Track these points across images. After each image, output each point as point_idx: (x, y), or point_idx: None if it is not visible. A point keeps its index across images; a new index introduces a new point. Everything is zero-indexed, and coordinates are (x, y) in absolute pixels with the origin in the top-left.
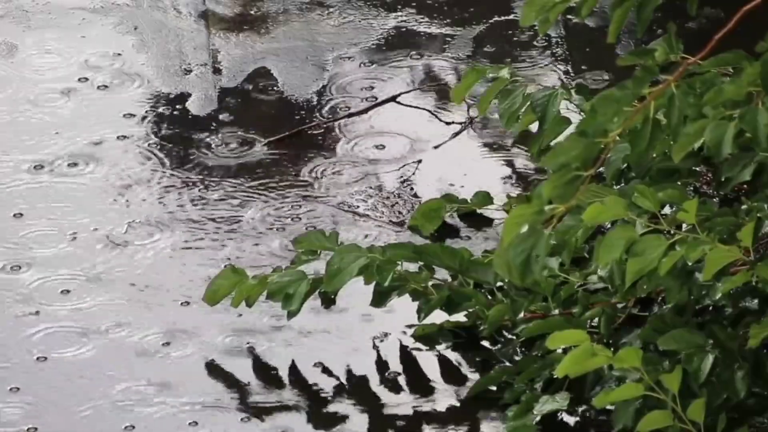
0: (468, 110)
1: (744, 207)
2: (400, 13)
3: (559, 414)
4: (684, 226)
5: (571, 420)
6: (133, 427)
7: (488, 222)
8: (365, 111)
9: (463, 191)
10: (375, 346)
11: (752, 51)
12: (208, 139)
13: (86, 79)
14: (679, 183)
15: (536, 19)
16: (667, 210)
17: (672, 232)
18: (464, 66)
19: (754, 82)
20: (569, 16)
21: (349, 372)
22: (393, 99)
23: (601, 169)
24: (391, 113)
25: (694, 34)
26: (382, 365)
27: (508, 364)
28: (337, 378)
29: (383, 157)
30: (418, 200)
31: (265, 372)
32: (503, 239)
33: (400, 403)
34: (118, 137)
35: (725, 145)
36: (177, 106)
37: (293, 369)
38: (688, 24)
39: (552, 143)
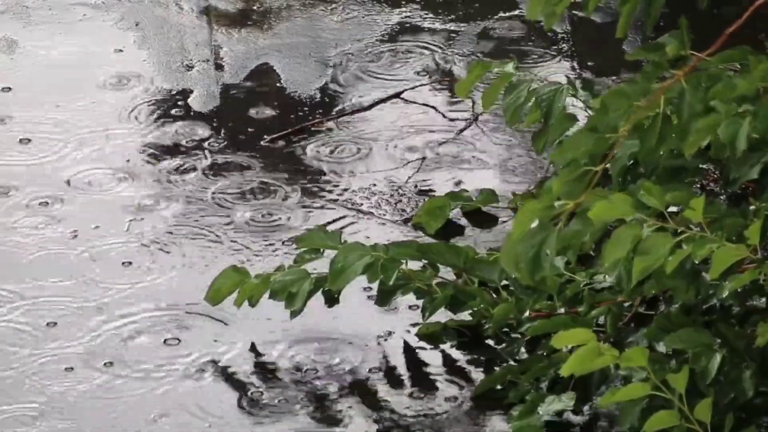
0: (473, 107)
1: (752, 208)
2: (404, 9)
3: (564, 413)
4: (692, 225)
5: (576, 420)
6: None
7: (493, 220)
8: (368, 107)
9: (467, 189)
10: (379, 345)
11: (756, 45)
12: (209, 136)
13: (87, 76)
14: (686, 181)
15: (542, 12)
16: (674, 208)
17: (679, 230)
18: (469, 62)
19: (764, 77)
20: (575, 12)
21: (352, 371)
22: (397, 95)
23: (607, 166)
24: (395, 110)
25: (695, 27)
26: (386, 364)
27: (513, 363)
28: (341, 377)
29: (387, 154)
30: (423, 198)
31: (267, 371)
32: (512, 234)
33: (404, 402)
34: (119, 134)
35: (740, 142)
36: (179, 103)
37: (295, 368)
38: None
39: (559, 139)
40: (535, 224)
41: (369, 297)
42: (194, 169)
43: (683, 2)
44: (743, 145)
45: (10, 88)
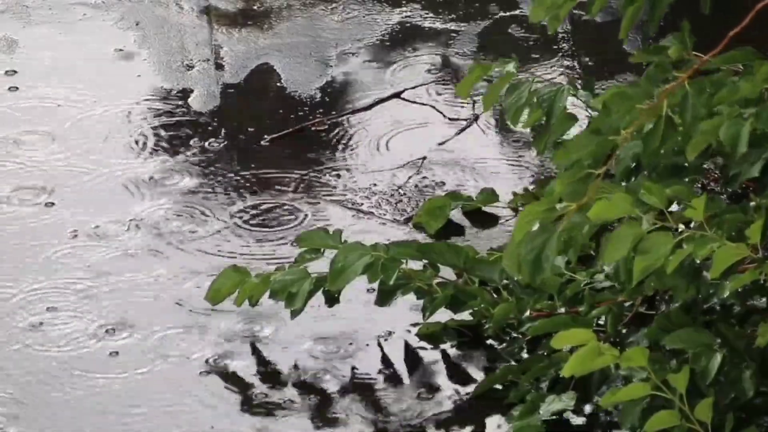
0: (473, 107)
1: (752, 204)
2: (404, 9)
3: (565, 413)
4: (692, 223)
5: (577, 420)
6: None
7: (494, 219)
8: (369, 107)
9: (468, 188)
10: (379, 345)
11: (759, 47)
12: (210, 136)
13: (87, 75)
14: (686, 180)
15: (546, 16)
16: (675, 207)
17: (679, 229)
18: (469, 62)
19: (767, 80)
20: (576, 11)
21: (353, 371)
22: (397, 95)
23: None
24: (395, 110)
25: (697, 29)
26: (386, 364)
27: (513, 363)
28: (341, 377)
29: (387, 154)
30: (423, 198)
31: (268, 371)
32: (514, 237)
33: (405, 402)
34: (120, 135)
35: (741, 143)
36: (179, 102)
37: (297, 368)
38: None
39: (560, 140)
40: (536, 227)
41: (370, 297)
42: (194, 168)
43: (685, 3)
44: (744, 148)
45: (17, 87)
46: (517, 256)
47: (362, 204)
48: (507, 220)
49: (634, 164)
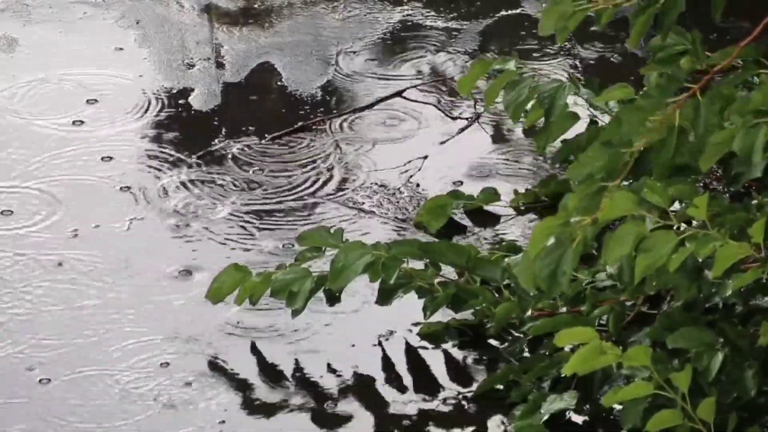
0: (474, 106)
1: (755, 202)
2: (405, 7)
3: (566, 413)
4: (694, 222)
5: (578, 419)
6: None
7: (495, 219)
8: (370, 106)
9: (469, 188)
10: (380, 345)
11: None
12: (210, 135)
13: (88, 75)
14: (690, 179)
15: (555, 28)
16: (677, 206)
17: (682, 228)
18: (471, 61)
19: None
20: None
21: (354, 370)
22: (399, 94)
23: None
24: (397, 108)
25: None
26: (387, 363)
27: (515, 362)
28: (342, 376)
29: (389, 152)
30: (424, 197)
31: (269, 370)
32: (529, 251)
33: (406, 402)
34: (120, 135)
35: (756, 153)
36: (180, 101)
37: (297, 367)
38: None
39: (560, 139)
40: (551, 241)
41: (371, 296)
42: (195, 167)
43: (689, 7)
44: (759, 158)
45: (11, 87)
46: (532, 271)
47: (363, 203)
48: (508, 219)
49: (633, 162)
